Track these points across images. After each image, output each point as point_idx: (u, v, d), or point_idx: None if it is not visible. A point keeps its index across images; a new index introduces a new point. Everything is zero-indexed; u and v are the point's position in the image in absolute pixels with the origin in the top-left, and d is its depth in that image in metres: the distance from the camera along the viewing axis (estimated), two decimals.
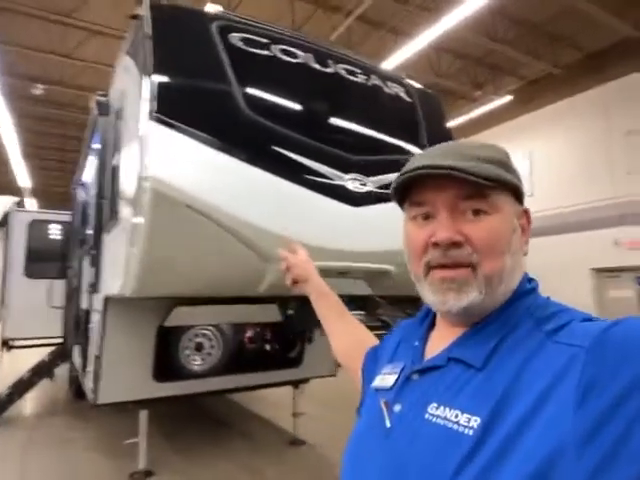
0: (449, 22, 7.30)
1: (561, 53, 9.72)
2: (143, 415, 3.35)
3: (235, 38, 2.33)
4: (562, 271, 9.07)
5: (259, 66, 2.39)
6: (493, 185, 0.62)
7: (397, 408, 0.65)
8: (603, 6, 7.65)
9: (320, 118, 2.53)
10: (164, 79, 2.01)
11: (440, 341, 0.69)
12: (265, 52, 2.40)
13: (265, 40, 2.44)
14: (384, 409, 0.67)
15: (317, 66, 2.57)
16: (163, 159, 1.90)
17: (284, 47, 2.52)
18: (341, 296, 2.14)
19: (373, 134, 2.67)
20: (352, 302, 2.64)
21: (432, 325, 0.75)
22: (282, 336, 4.07)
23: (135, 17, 2.30)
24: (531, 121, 10.88)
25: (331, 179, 2.23)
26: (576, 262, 9.43)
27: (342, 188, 2.24)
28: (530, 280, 0.69)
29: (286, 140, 2.19)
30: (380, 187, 2.41)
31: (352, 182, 2.28)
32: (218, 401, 5.07)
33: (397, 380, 0.70)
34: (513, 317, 0.64)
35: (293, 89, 2.46)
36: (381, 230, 2.40)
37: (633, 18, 8.22)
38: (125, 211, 2.19)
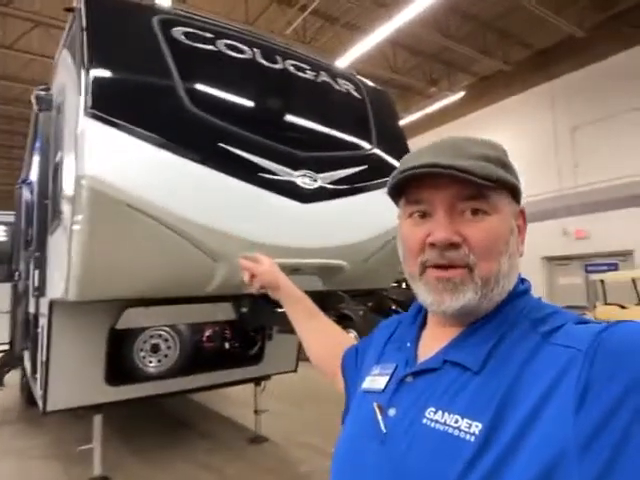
0: (403, 18, 7.40)
1: (511, 50, 10.06)
2: (97, 420, 3.25)
3: (178, 32, 2.27)
4: None
5: (203, 61, 2.34)
6: (493, 185, 0.60)
7: (392, 412, 0.63)
8: (549, 5, 7.97)
9: (268, 115, 2.51)
10: (100, 73, 1.94)
11: (433, 342, 0.67)
12: (210, 47, 2.35)
13: (210, 35, 2.40)
14: (378, 413, 0.64)
15: (264, 62, 2.54)
16: (100, 157, 1.83)
17: (230, 42, 2.48)
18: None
19: (322, 130, 2.67)
20: (312, 298, 2.66)
21: (423, 324, 0.73)
22: (241, 334, 4.04)
23: (71, 10, 2.20)
24: (483, 117, 11.25)
25: (280, 176, 2.22)
26: (528, 251, 9.74)
27: (292, 185, 2.24)
28: (523, 280, 0.68)
29: (232, 137, 2.16)
30: (331, 183, 2.42)
31: (302, 179, 2.28)
32: (178, 401, 4.98)
33: (389, 382, 0.68)
34: (508, 318, 0.63)
35: (239, 85, 2.43)
36: (333, 226, 2.42)
37: (577, 17, 8.61)
38: (65, 211, 2.11)
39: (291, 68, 2.66)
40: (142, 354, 3.67)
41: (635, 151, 8.18)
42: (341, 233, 2.49)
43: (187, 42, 2.31)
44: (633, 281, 7.32)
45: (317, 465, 3.60)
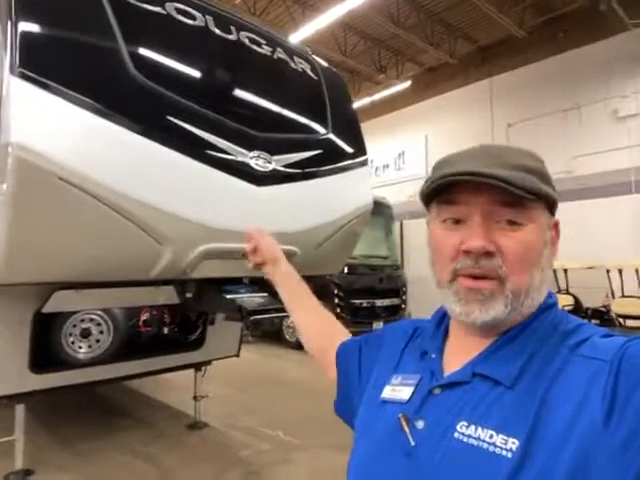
0: (356, 1, 7.32)
1: (456, 44, 10.33)
2: (19, 410, 3.00)
3: None
4: None
5: (150, 24, 2.14)
6: (533, 198, 0.59)
7: (420, 425, 0.61)
8: (493, 3, 8.23)
9: (220, 89, 2.36)
10: (32, 28, 1.70)
11: (459, 353, 0.65)
12: (158, 9, 2.15)
13: None
14: (404, 425, 0.62)
15: (218, 31, 2.38)
16: (30, 122, 1.61)
17: (180, 6, 2.28)
18: (245, 278, 2.02)
19: (277, 110, 2.57)
20: (256, 284, 2.58)
21: (446, 334, 0.71)
22: (182, 318, 3.88)
23: None
24: (428, 106, 11.52)
25: (233, 156, 2.10)
26: None
27: (245, 166, 2.13)
28: (550, 294, 0.66)
29: (182, 110, 2.00)
30: (285, 166, 2.33)
31: (256, 160, 2.17)
32: (112, 389, 4.73)
33: (414, 393, 0.65)
34: (538, 332, 0.61)
35: (190, 54, 2.25)
36: (286, 211, 2.35)
37: (518, 18, 8.98)
38: None
39: (246, 41, 2.51)
40: (71, 339, 3.42)
41: (561, 150, 8.77)
42: (294, 218, 2.43)
43: (132, 1, 2.10)
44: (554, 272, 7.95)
45: (258, 448, 3.58)
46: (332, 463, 3.33)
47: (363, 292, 7.72)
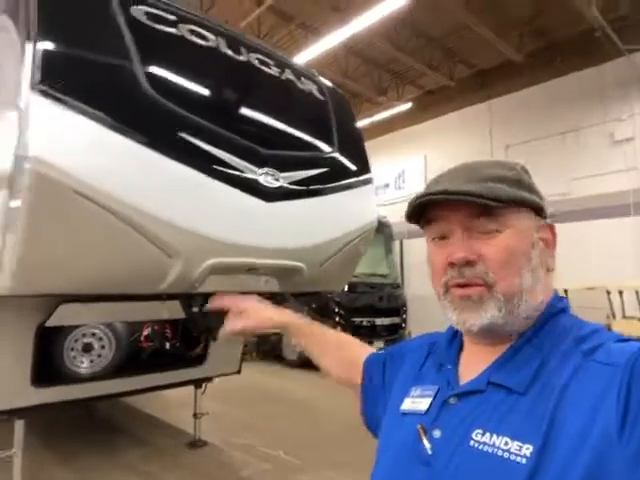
0: (358, 25, 7.51)
1: (455, 68, 10.56)
2: (19, 425, 2.97)
3: (138, 11, 2.11)
4: None
5: (165, 44, 2.20)
6: (502, 205, 0.62)
7: (437, 434, 0.63)
8: (491, 28, 8.45)
9: (231, 107, 2.42)
10: (51, 45, 1.75)
11: (474, 363, 0.67)
12: (172, 30, 2.22)
13: (172, 17, 2.26)
14: (422, 434, 0.64)
15: (229, 52, 2.45)
16: (48, 137, 1.65)
17: (193, 28, 2.35)
18: (249, 293, 2.05)
19: (285, 129, 2.62)
20: (260, 300, 2.59)
21: (461, 346, 0.74)
22: (184, 334, 3.86)
23: None
24: (427, 128, 11.71)
25: (243, 172, 2.13)
26: None
27: (255, 182, 2.16)
28: (559, 299, 0.68)
29: (194, 127, 2.04)
30: (293, 183, 2.37)
31: (265, 176, 2.21)
32: (112, 405, 4.67)
33: (431, 404, 0.67)
34: (550, 338, 0.63)
35: (202, 73, 2.31)
36: (293, 227, 2.37)
37: (516, 43, 9.21)
38: None
39: (256, 62, 2.58)
40: (73, 353, 3.40)
41: (559, 172, 8.88)
42: (301, 234, 2.45)
43: (147, 22, 2.16)
44: None
45: (259, 468, 3.53)
46: None
47: (363, 310, 7.70)
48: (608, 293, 6.91)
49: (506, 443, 0.55)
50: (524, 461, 0.52)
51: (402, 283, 9.62)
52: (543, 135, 9.40)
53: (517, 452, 0.53)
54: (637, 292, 7.01)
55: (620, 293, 6.94)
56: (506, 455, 0.54)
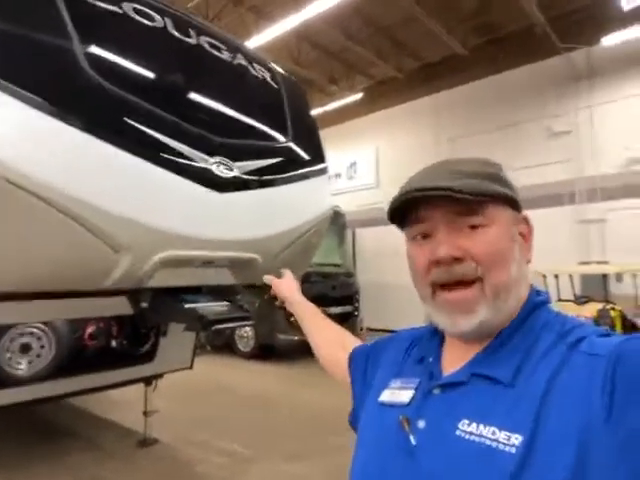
0: (310, 12, 7.41)
1: (403, 59, 10.72)
2: None
3: None
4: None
5: (107, 23, 2.05)
6: (482, 199, 0.62)
7: (421, 425, 0.61)
8: (439, 21, 8.63)
9: (180, 92, 2.30)
10: None
11: (456, 355, 0.66)
12: (114, 8, 2.06)
13: None
14: (405, 425, 0.62)
15: (177, 34, 2.32)
16: None
17: (137, 6, 2.21)
18: (204, 287, 1.99)
19: (238, 117, 2.53)
20: (216, 293, 2.52)
21: (443, 338, 0.72)
22: (132, 330, 3.70)
23: None
24: (378, 119, 11.85)
25: (195, 161, 2.04)
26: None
27: (207, 172, 2.07)
28: (538, 292, 0.68)
29: (141, 112, 1.92)
30: (246, 173, 2.30)
31: (217, 166, 2.13)
32: (56, 408, 4.41)
33: (414, 396, 0.66)
34: (532, 331, 0.63)
35: (149, 56, 2.18)
36: (247, 218, 2.31)
37: (462, 37, 9.47)
38: None
39: (206, 45, 2.47)
40: (8, 355, 3.16)
41: (502, 162, 9.27)
42: (255, 225, 2.39)
43: None
44: None
45: (214, 463, 3.47)
46: (289, 474, 3.29)
47: (317, 300, 7.67)
48: (544, 277, 7.36)
49: (494, 433, 0.55)
50: (513, 450, 0.52)
51: (354, 272, 9.76)
52: (486, 128, 9.79)
53: (506, 442, 0.53)
54: (571, 276, 7.52)
55: (556, 277, 7.41)
56: (494, 445, 0.54)
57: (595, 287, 7.27)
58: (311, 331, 1.14)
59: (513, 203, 0.68)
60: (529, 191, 8.94)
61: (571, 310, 6.62)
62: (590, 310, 6.42)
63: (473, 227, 0.63)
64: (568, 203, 8.75)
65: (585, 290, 7.66)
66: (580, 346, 0.58)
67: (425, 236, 0.66)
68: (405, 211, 0.67)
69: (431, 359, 0.70)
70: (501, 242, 0.63)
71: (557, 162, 8.88)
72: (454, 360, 0.67)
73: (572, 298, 7.32)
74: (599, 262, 8.07)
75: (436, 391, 0.64)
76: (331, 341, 1.07)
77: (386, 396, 0.71)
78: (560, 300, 7.35)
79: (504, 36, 9.50)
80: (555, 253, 8.22)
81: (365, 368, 0.87)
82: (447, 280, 0.63)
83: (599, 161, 8.53)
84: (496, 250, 0.63)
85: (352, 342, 1.01)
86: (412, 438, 0.61)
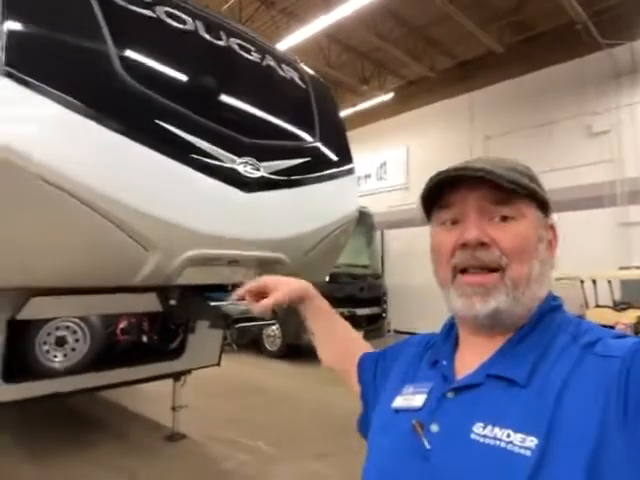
0: (342, 13, 7.41)
1: (437, 58, 10.55)
2: None
3: None
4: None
5: (140, 27, 2.11)
6: (521, 192, 0.62)
7: (435, 428, 0.61)
8: (473, 19, 8.45)
9: (209, 94, 2.34)
10: (19, 26, 1.65)
11: (470, 357, 0.66)
12: (148, 12, 2.12)
13: None
14: (419, 430, 0.61)
15: (208, 36, 2.36)
16: (14, 122, 1.56)
17: (170, 10, 2.26)
18: (231, 286, 1.96)
19: (266, 117, 2.56)
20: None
21: (456, 342, 0.72)
22: (161, 326, 3.79)
23: None
24: (409, 119, 11.71)
25: (223, 161, 2.07)
26: None
27: (234, 172, 2.10)
28: (554, 297, 0.68)
29: (172, 114, 1.97)
30: (273, 173, 2.32)
31: (245, 166, 2.15)
32: (86, 400, 4.57)
33: (427, 400, 0.65)
34: (547, 332, 0.62)
35: (180, 58, 2.23)
36: (274, 218, 2.33)
37: (496, 33, 9.24)
38: None
39: (236, 47, 2.50)
40: (46, 347, 3.29)
41: (537, 164, 8.99)
42: (281, 225, 2.41)
43: (121, 3, 2.06)
44: None
45: (241, 461, 3.51)
46: (313, 473, 3.29)
47: (345, 301, 7.71)
48: (582, 282, 7.09)
49: (508, 435, 0.54)
50: (529, 453, 0.51)
51: (383, 273, 9.68)
52: (522, 127, 9.51)
53: (521, 444, 0.52)
54: (609, 282, 7.21)
55: (594, 282, 7.12)
56: (510, 447, 0.53)
57: (636, 293, 6.94)
58: (318, 333, 1.00)
59: (544, 207, 0.67)
60: (567, 192, 8.64)
61: (609, 317, 6.35)
62: (629, 317, 6.14)
63: (504, 218, 0.63)
64: (608, 205, 8.39)
65: (625, 296, 7.32)
66: (595, 348, 0.58)
67: (454, 222, 0.66)
68: (437, 195, 0.67)
69: (445, 362, 0.69)
70: (529, 238, 0.63)
71: (597, 162, 8.53)
72: (468, 361, 0.66)
73: (610, 304, 7.01)
74: None
75: (450, 395, 0.63)
76: (338, 343, 0.99)
77: (399, 402, 0.70)
78: (598, 306, 7.06)
79: (541, 33, 9.21)
80: (593, 257, 7.90)
81: (374, 373, 0.86)
82: (470, 264, 0.63)
83: None
84: (523, 244, 0.62)
85: (358, 343, 0.99)
86: (426, 442, 0.60)
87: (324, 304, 1.01)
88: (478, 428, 0.57)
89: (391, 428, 0.68)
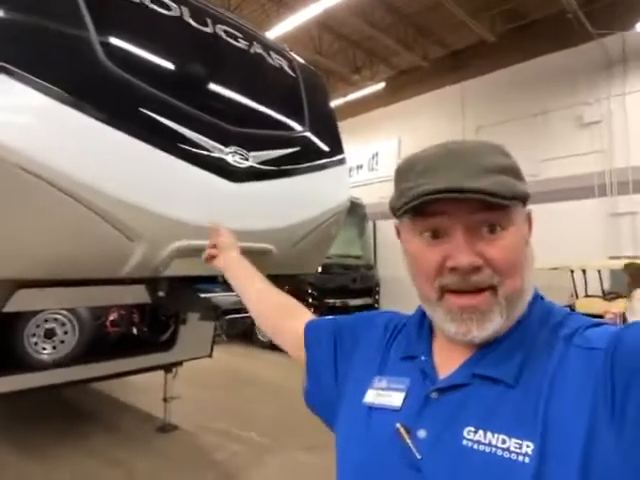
0: (332, 1, 7.31)
1: (428, 47, 10.49)
2: None
3: None
4: None
5: (123, 12, 2.05)
6: (515, 203, 0.58)
7: (422, 434, 0.57)
8: (465, 8, 8.39)
9: (196, 81, 2.29)
10: None
11: (452, 354, 0.62)
12: None
13: None
14: (405, 437, 0.57)
15: (193, 22, 2.31)
16: None
17: None
18: (220, 277, 1.93)
19: (254, 106, 2.51)
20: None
21: (431, 332, 0.68)
22: (152, 318, 3.77)
23: None
24: (401, 109, 11.66)
25: (209, 151, 2.04)
26: None
27: (222, 162, 2.07)
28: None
29: (156, 102, 1.93)
30: (262, 163, 2.29)
31: (233, 156, 2.12)
32: (78, 392, 4.55)
33: (405, 399, 0.61)
34: (530, 327, 0.60)
35: (164, 45, 2.18)
36: (263, 208, 2.30)
37: (488, 22, 9.19)
38: None
39: (223, 34, 2.45)
40: (34, 340, 3.27)
41: (528, 154, 9.03)
42: (270, 216, 2.39)
43: None
44: None
45: (232, 450, 3.52)
46: (305, 464, 3.31)
47: (337, 292, 7.73)
48: (572, 272, 7.15)
49: (504, 441, 0.51)
50: (527, 460, 0.49)
51: (375, 264, 9.70)
52: (514, 117, 9.51)
53: (517, 450, 0.50)
54: (599, 271, 7.27)
55: (583, 272, 7.18)
56: (506, 455, 0.50)
57: (625, 282, 7.02)
58: (245, 288, 1.02)
59: (525, 200, 0.63)
60: (557, 183, 8.68)
61: (599, 306, 6.42)
62: (618, 306, 6.20)
63: (491, 228, 0.58)
64: (598, 195, 8.44)
65: (615, 286, 7.40)
66: (576, 339, 0.56)
67: (435, 233, 0.59)
68: (418, 204, 0.60)
69: (423, 357, 0.65)
70: (518, 247, 0.60)
71: (587, 153, 8.56)
72: (451, 358, 0.62)
73: (600, 294, 7.09)
74: (630, 257, 7.78)
75: (434, 395, 0.60)
76: (272, 303, 0.98)
77: (372, 397, 0.66)
78: (587, 296, 7.13)
79: (533, 22, 9.17)
80: (583, 247, 7.97)
81: (335, 355, 0.79)
82: (462, 288, 0.58)
83: (631, 152, 8.18)
84: (514, 257, 0.59)
85: (301, 311, 0.95)
86: (416, 452, 0.56)
87: (245, 261, 1.07)
88: (469, 433, 0.54)
89: (368, 428, 0.64)
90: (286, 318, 0.93)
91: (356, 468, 0.63)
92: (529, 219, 0.64)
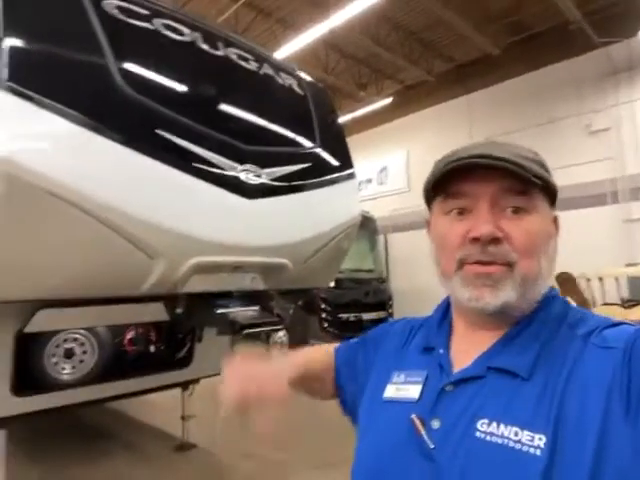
0: (337, 20, 7.48)
1: (434, 62, 10.61)
2: (0, 435, 2.87)
3: (110, 5, 2.06)
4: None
5: (139, 39, 2.15)
6: (540, 183, 0.59)
7: (436, 424, 0.58)
8: (469, 22, 8.50)
9: (209, 103, 2.37)
10: (20, 42, 1.69)
11: (468, 347, 0.63)
12: (146, 25, 2.16)
13: (146, 11, 2.20)
14: (420, 427, 0.58)
15: (206, 47, 2.40)
16: (18, 136, 1.60)
17: (168, 22, 2.30)
18: (236, 292, 1.94)
19: (265, 124, 2.59)
20: (247, 298, 2.56)
21: (450, 329, 0.69)
22: (169, 336, 3.80)
23: None
24: (408, 123, 11.76)
25: (224, 169, 2.10)
26: None
27: (236, 179, 2.13)
28: (550, 288, 0.66)
29: (173, 124, 2.00)
30: (274, 180, 2.34)
31: (246, 173, 2.18)
32: (96, 411, 4.58)
33: (423, 391, 0.62)
34: (547, 322, 0.61)
35: (179, 69, 2.27)
36: (277, 223, 2.35)
37: (492, 35, 9.29)
38: None
39: (234, 56, 2.54)
40: (54, 360, 3.31)
41: None
42: (284, 231, 2.43)
43: (120, 17, 2.11)
44: None
45: (250, 470, 3.50)
46: None
47: (350, 306, 7.71)
48: (588, 281, 7.05)
49: (516, 433, 0.52)
50: (539, 452, 0.50)
51: (387, 277, 9.67)
52: (522, 127, 9.52)
53: (530, 443, 0.51)
54: (616, 279, 7.16)
55: (600, 280, 7.08)
56: (518, 446, 0.51)
57: None
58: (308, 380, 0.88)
59: (552, 199, 0.65)
60: (569, 191, 8.62)
61: (617, 314, 6.31)
62: (637, 314, 6.09)
63: (516, 210, 0.60)
64: (611, 203, 8.36)
65: (633, 293, 7.27)
66: (594, 338, 0.56)
67: (461, 212, 0.62)
68: (443, 183, 0.63)
69: (441, 350, 0.67)
70: (540, 234, 0.61)
71: (597, 160, 8.52)
72: (466, 351, 0.64)
73: (618, 302, 6.96)
74: None
75: (449, 388, 0.61)
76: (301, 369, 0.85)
77: (391, 392, 0.67)
78: (605, 304, 7.01)
79: (537, 34, 9.25)
80: (599, 255, 7.87)
81: (356, 364, 0.82)
82: (479, 259, 0.60)
83: None
84: (535, 240, 0.60)
85: (316, 355, 0.92)
86: (429, 441, 0.57)
87: (297, 361, 0.86)
88: (482, 425, 0.55)
89: (385, 421, 0.65)
90: (313, 360, 0.89)
91: (372, 458, 0.64)
92: (556, 222, 0.67)
